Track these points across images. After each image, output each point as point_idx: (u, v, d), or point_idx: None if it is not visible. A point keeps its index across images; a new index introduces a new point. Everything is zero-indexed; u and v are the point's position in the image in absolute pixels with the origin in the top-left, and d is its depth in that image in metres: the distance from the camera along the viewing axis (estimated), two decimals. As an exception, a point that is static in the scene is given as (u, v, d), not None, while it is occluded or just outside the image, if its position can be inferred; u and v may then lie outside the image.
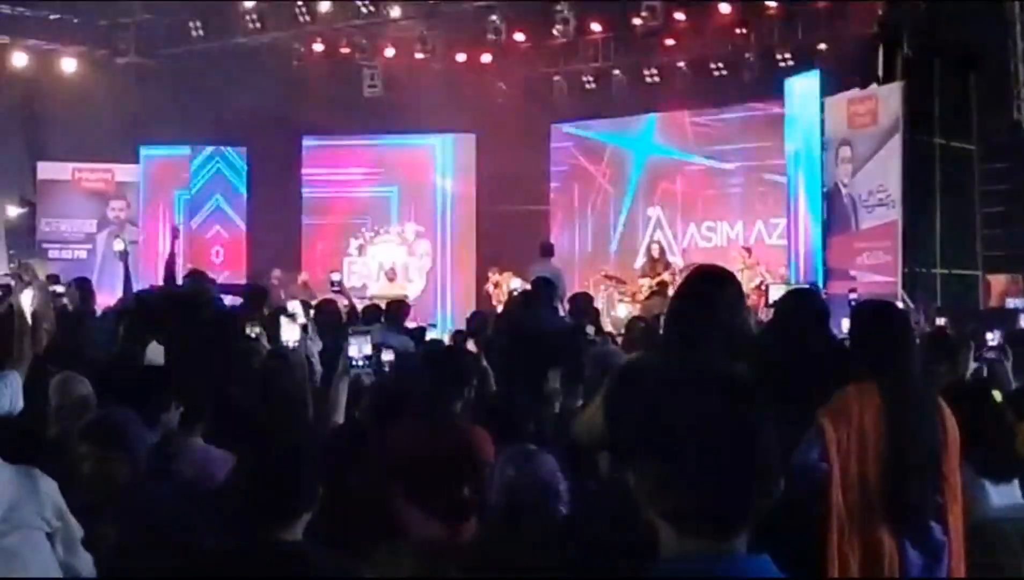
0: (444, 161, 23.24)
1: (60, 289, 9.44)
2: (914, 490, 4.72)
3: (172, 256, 11.43)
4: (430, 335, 11.73)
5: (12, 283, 7.29)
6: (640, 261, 19.84)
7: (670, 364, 4.55)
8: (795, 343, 5.18)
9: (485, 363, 8.66)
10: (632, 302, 18.44)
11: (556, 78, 21.69)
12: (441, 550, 2.58)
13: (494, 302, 19.50)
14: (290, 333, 7.98)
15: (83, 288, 9.92)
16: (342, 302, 13.31)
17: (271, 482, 3.67)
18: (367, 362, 5.78)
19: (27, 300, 7.31)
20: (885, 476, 4.72)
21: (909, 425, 4.75)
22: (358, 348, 5.86)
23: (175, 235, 13.59)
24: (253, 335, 8.16)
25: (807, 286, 6.14)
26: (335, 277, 13.64)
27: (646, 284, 18.48)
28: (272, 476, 3.68)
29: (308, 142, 22.84)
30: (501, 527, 4.46)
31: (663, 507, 2.14)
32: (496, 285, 20.11)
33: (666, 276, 18.23)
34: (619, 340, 11.40)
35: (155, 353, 8.42)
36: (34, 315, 7.38)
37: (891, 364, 4.84)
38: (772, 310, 7.12)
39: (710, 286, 4.86)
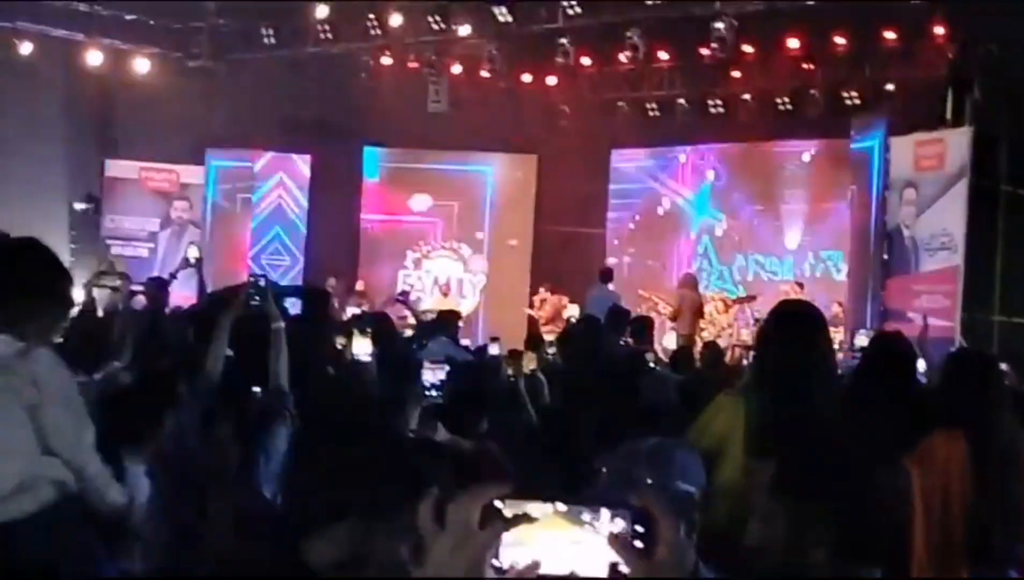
0: (504, 179, 23.36)
1: (138, 287, 9.58)
2: (997, 539, 4.76)
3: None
4: (493, 349, 11.79)
5: (117, 284, 7.43)
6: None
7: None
8: (884, 388, 5.23)
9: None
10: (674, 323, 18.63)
11: (620, 104, 21.77)
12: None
13: (537, 316, 19.68)
14: (361, 346, 8.05)
15: (160, 288, 10.08)
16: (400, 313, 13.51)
17: (371, 495, 3.72)
18: (440, 391, 5.80)
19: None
20: (968, 524, 4.76)
21: (995, 474, 4.79)
22: (432, 375, 5.86)
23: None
24: (339, 346, 8.26)
25: (895, 332, 6.21)
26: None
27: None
28: (371, 490, 3.73)
29: (370, 153, 23.02)
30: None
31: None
32: (543, 302, 20.22)
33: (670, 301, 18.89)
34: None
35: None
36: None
37: (979, 413, 4.88)
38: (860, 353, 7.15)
39: (795, 323, 4.92)
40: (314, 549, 2.19)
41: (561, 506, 1.59)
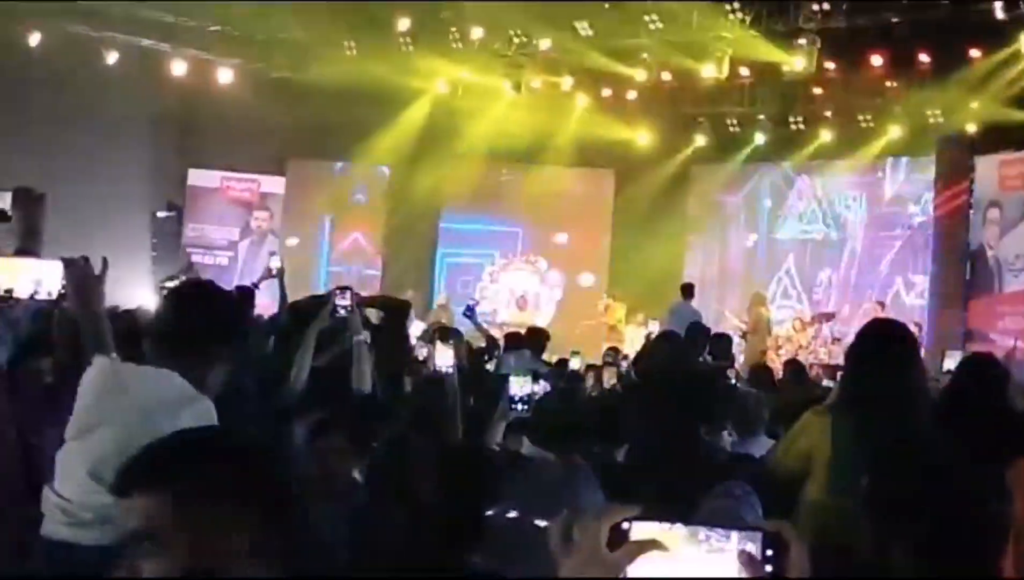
0: (582, 194, 23.32)
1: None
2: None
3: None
4: (574, 363, 11.82)
5: None
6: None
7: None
8: (976, 409, 5.16)
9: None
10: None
11: (700, 119, 21.68)
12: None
13: (600, 323, 19.68)
14: (444, 358, 7.99)
15: (245, 297, 10.12)
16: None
17: (467, 511, 3.74)
18: (527, 405, 5.76)
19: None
20: (1062, 548, 4.67)
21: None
22: (520, 388, 5.81)
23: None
24: (420, 357, 8.26)
25: (988, 353, 6.12)
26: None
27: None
28: (469, 505, 3.75)
29: (449, 166, 23.08)
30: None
31: None
32: (607, 308, 20.19)
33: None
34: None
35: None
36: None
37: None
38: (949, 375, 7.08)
39: (889, 342, 4.87)
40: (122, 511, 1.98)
41: (687, 527, 1.57)
